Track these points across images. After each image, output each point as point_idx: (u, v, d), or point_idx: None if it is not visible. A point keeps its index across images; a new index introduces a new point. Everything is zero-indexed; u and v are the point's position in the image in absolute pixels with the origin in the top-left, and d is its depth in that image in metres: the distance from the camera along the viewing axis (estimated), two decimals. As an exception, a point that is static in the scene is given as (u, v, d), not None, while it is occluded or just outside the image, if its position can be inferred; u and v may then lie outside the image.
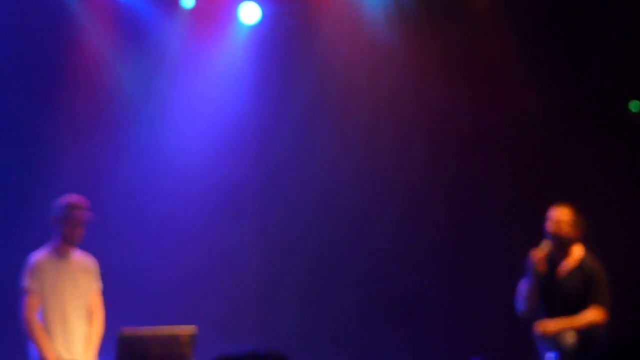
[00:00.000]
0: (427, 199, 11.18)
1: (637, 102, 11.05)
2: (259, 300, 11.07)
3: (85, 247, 8.55)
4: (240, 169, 11.26)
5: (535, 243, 8.10)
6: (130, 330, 7.63)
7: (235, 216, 11.26)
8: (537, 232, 8.17)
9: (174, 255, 10.80)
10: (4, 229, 10.16)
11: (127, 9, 11.01)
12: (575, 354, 7.82)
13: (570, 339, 7.83)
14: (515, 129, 10.99)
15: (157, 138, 11.06)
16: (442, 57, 10.93)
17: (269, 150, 11.38)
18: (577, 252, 8.07)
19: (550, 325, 7.84)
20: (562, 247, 8.04)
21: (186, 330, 7.68)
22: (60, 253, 8.34)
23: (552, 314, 7.92)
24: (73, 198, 8.36)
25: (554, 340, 7.83)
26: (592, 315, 7.83)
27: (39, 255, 8.31)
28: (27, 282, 8.20)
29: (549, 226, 8.06)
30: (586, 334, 7.83)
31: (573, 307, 7.87)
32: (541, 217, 8.17)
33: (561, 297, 7.96)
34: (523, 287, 8.08)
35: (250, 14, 11.18)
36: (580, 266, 8.00)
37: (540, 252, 7.99)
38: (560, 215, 8.05)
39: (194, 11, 11.12)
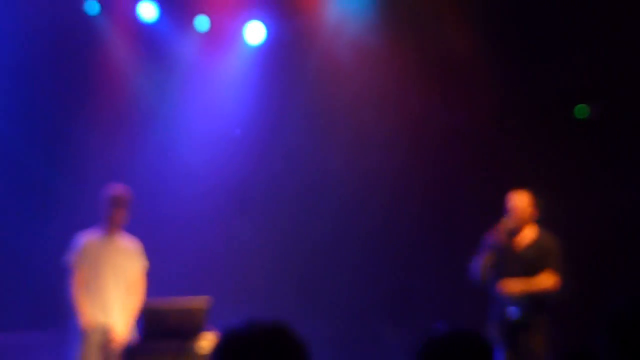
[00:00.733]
0: (410, 189, 11.23)
1: (583, 107, 11.22)
2: (265, 275, 10.96)
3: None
4: (244, 165, 11.15)
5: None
6: (151, 301, 7.97)
7: (240, 205, 11.12)
8: (501, 215, 8.41)
9: (189, 237, 10.68)
10: (44, 215, 10.09)
11: (149, 29, 10.91)
12: (530, 314, 8.19)
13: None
14: (481, 126, 11.04)
15: (171, 139, 10.97)
16: (420, 64, 10.91)
17: (271, 151, 11.26)
18: (532, 230, 8.35)
19: (512, 285, 8.12)
20: (519, 225, 8.32)
21: (200, 301, 7.88)
22: (106, 234, 8.44)
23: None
24: (119, 187, 8.49)
25: (514, 299, 8.14)
26: (546, 279, 8.13)
27: (87, 235, 8.42)
28: (72, 258, 8.31)
29: (510, 207, 8.34)
30: (539, 298, 8.18)
31: (530, 277, 8.17)
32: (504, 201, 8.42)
33: (519, 268, 8.21)
34: (479, 259, 8.30)
35: (255, 33, 11.06)
36: (537, 241, 8.30)
37: (501, 227, 8.27)
38: (520, 198, 8.35)
39: (207, 31, 10.97)
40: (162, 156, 10.91)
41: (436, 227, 10.60)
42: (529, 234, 8.37)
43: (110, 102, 10.86)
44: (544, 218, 8.45)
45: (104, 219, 8.45)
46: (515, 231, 8.36)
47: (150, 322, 7.80)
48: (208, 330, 7.89)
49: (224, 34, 11.14)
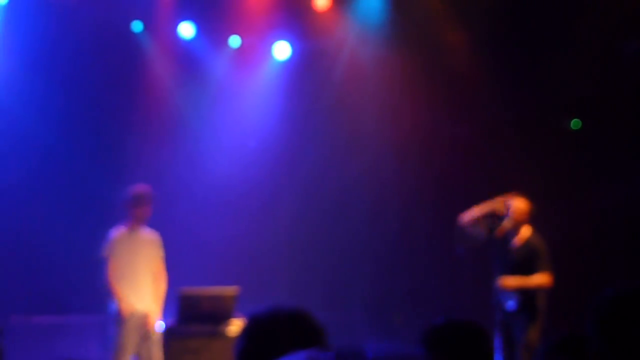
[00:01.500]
0: (423, 194, 11.31)
1: (577, 120, 11.21)
2: (289, 270, 10.98)
3: (152, 223, 8.59)
4: (271, 170, 11.18)
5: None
6: (187, 289, 7.96)
7: (268, 207, 11.20)
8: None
9: (223, 234, 10.69)
10: (90, 210, 10.06)
11: (187, 46, 10.95)
12: (524, 306, 8.23)
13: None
14: (481, 136, 11.11)
15: (206, 146, 10.99)
16: (427, 80, 10.95)
17: (295, 157, 11.35)
18: (526, 231, 8.40)
19: (510, 281, 8.19)
20: (516, 226, 8.39)
21: (231, 290, 7.93)
22: (132, 229, 8.43)
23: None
24: (140, 187, 8.47)
25: (511, 293, 8.20)
26: (541, 278, 8.18)
27: (116, 231, 8.42)
28: (106, 251, 8.33)
29: (509, 211, 8.38)
30: (532, 292, 8.24)
31: (521, 274, 8.22)
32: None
33: (512, 265, 8.29)
34: (478, 208, 8.44)
35: (282, 51, 11.10)
36: (527, 243, 8.35)
37: (503, 227, 8.35)
38: (517, 204, 8.39)
39: (239, 49, 11.05)
40: (199, 162, 10.93)
41: (445, 228, 10.60)
42: (522, 236, 8.41)
43: (151, 112, 10.89)
44: (539, 220, 8.45)
45: (128, 215, 8.46)
46: (512, 232, 8.39)
47: (186, 307, 7.85)
48: (237, 316, 7.92)
49: (254, 51, 11.16)
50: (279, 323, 2.84)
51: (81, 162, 10.42)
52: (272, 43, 11.15)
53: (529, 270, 8.24)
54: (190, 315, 7.84)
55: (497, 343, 8.26)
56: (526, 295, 8.20)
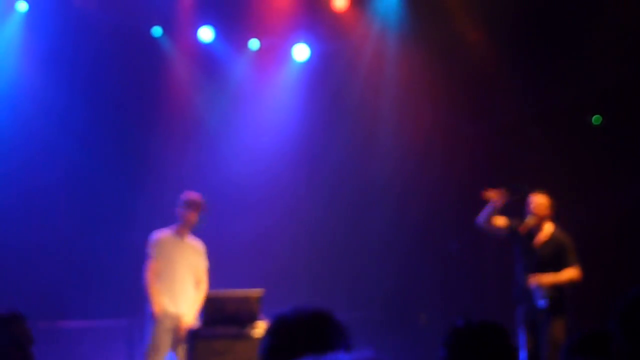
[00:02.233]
0: (444, 193, 11.33)
1: (599, 116, 11.19)
2: (313, 267, 11.03)
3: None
4: (292, 171, 11.22)
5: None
6: (213, 291, 8.06)
7: (289, 210, 11.19)
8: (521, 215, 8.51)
9: (241, 234, 10.72)
10: (112, 215, 10.20)
11: (208, 49, 11.05)
12: (553, 302, 8.22)
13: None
14: (502, 134, 11.15)
15: (227, 149, 11.04)
16: (447, 78, 10.97)
17: (316, 158, 11.38)
18: (549, 227, 8.41)
19: (543, 278, 8.18)
20: (539, 222, 8.39)
21: (256, 292, 7.96)
22: (179, 233, 8.51)
23: (531, 274, 8.27)
24: (194, 193, 8.55)
25: (543, 291, 8.18)
26: (571, 273, 8.21)
27: (162, 232, 8.52)
28: (150, 250, 8.44)
29: (531, 207, 8.40)
30: (560, 288, 8.24)
31: (547, 270, 8.21)
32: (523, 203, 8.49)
33: (537, 261, 8.28)
34: (490, 206, 8.41)
35: (301, 53, 11.17)
36: (552, 238, 8.36)
37: (526, 224, 8.36)
38: (539, 200, 8.40)
39: (258, 51, 11.15)
40: (220, 165, 10.96)
41: (467, 226, 10.59)
42: (546, 231, 8.42)
43: (171, 116, 10.97)
44: (561, 217, 8.48)
45: (179, 219, 8.52)
46: (535, 228, 8.39)
47: (211, 309, 7.91)
48: (262, 318, 7.96)
49: (274, 53, 11.22)
50: (302, 323, 2.89)
51: (102, 167, 10.50)
52: (291, 45, 11.20)
53: (557, 266, 8.26)
54: (216, 318, 7.89)
55: (522, 340, 8.27)
56: (555, 292, 8.21)
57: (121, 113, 10.63)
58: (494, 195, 8.33)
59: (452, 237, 11.34)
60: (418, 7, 10.95)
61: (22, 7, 10.22)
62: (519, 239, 8.44)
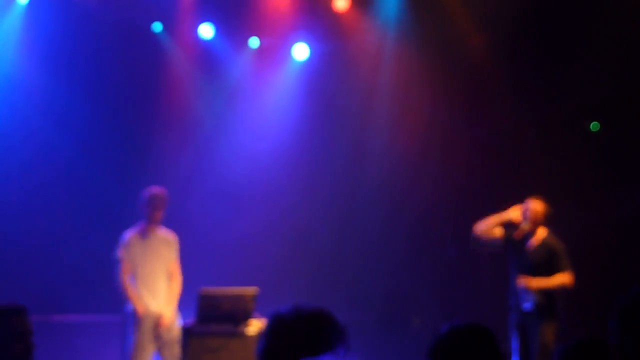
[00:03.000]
0: (441, 195, 11.31)
1: (597, 123, 11.24)
2: (308, 268, 10.98)
3: (173, 223, 8.72)
4: (289, 171, 11.17)
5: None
6: (208, 289, 8.05)
7: (285, 208, 11.15)
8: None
9: (236, 233, 10.67)
10: (108, 211, 10.13)
11: (207, 46, 11.02)
12: (542, 307, 8.29)
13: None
14: (500, 138, 11.18)
15: (225, 145, 11.00)
16: (446, 81, 10.97)
17: (313, 157, 11.34)
18: (542, 232, 8.48)
19: (532, 281, 8.25)
20: (533, 228, 8.46)
21: (250, 290, 8.03)
22: (146, 230, 8.51)
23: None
24: (155, 189, 8.52)
25: (530, 294, 8.26)
26: (562, 278, 8.26)
27: (130, 233, 8.52)
28: (120, 253, 8.44)
29: (526, 213, 8.47)
30: (551, 293, 8.31)
31: (538, 274, 8.29)
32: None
33: (529, 266, 8.37)
34: (492, 218, 8.51)
35: (301, 53, 11.15)
36: (544, 243, 8.43)
37: (521, 229, 8.43)
38: (534, 206, 8.47)
39: (258, 50, 11.12)
40: (218, 163, 10.96)
41: (464, 229, 10.62)
42: (539, 236, 8.49)
43: (170, 112, 10.97)
44: (557, 222, 8.54)
45: (145, 217, 8.54)
46: (530, 233, 8.46)
47: (205, 307, 7.95)
48: (256, 316, 8.03)
49: (273, 52, 11.22)
50: (301, 322, 2.96)
51: (101, 162, 10.51)
52: (291, 44, 11.21)
53: (548, 271, 8.33)
54: (210, 315, 7.95)
55: (514, 345, 8.33)
56: (545, 296, 8.28)
57: (120, 109, 10.63)
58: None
59: (448, 240, 11.35)
60: (419, 9, 10.96)
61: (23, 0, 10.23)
62: (513, 245, 8.52)
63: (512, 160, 11.14)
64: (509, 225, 8.55)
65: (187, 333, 7.99)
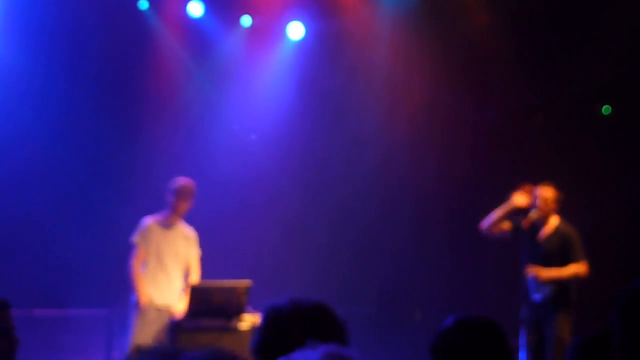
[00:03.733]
0: (443, 185, 11.31)
1: (608, 106, 11.23)
2: (305, 261, 10.99)
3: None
4: (284, 159, 11.19)
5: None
6: (199, 281, 8.08)
7: (279, 197, 11.17)
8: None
9: (230, 226, 10.72)
10: (95, 202, 10.12)
11: (197, 25, 10.93)
12: (556, 298, 8.28)
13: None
14: (507, 122, 11.17)
15: (216, 131, 11.00)
16: (448, 62, 10.94)
17: (308, 145, 11.28)
18: (554, 220, 8.45)
19: (542, 271, 8.24)
20: (544, 216, 8.43)
21: (243, 283, 8.00)
22: (168, 221, 8.51)
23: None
24: (183, 179, 8.52)
25: (541, 285, 8.26)
26: (576, 268, 8.25)
27: (150, 219, 8.51)
28: (136, 238, 8.43)
29: (536, 201, 8.45)
30: (564, 284, 8.29)
31: (552, 264, 8.28)
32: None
33: (542, 256, 8.35)
34: (496, 211, 8.52)
35: (295, 32, 11.08)
36: (557, 231, 8.41)
37: (529, 218, 8.41)
38: (545, 192, 8.44)
39: (251, 28, 11.04)
40: (210, 152, 10.94)
41: (469, 219, 10.62)
42: (552, 225, 8.45)
43: (158, 94, 10.92)
44: (568, 209, 8.51)
45: (169, 207, 8.51)
46: (540, 222, 8.42)
47: (196, 301, 7.93)
48: (249, 310, 8.00)
49: (266, 31, 11.17)
50: (299, 315, 2.93)
51: (84, 150, 10.46)
52: (285, 23, 11.15)
53: (561, 261, 8.31)
54: (201, 309, 7.93)
55: (522, 340, 8.30)
56: (559, 287, 8.25)
57: (104, 91, 10.55)
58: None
59: (451, 231, 11.30)
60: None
61: (1, -26, 10.13)
62: (523, 235, 8.49)
63: (519, 146, 11.12)
64: (516, 214, 8.54)
65: (177, 328, 7.97)
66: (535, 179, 8.63)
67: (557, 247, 8.34)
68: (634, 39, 10.37)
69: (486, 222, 8.56)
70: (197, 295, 7.94)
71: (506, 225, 8.54)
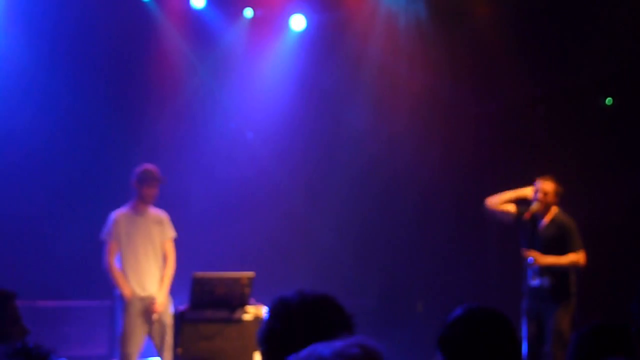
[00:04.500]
0: (447, 178, 11.33)
1: (611, 98, 11.25)
2: (309, 253, 11.05)
3: (166, 205, 8.70)
4: (286, 152, 11.26)
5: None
6: (202, 273, 8.04)
7: (282, 190, 11.23)
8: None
9: (234, 219, 10.78)
10: (96, 192, 10.11)
11: (199, 16, 11.01)
12: (553, 291, 8.36)
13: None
14: (507, 115, 11.20)
15: (219, 119, 11.06)
16: (450, 54, 10.97)
17: (310, 138, 11.35)
18: (554, 211, 8.54)
19: (541, 257, 8.32)
20: (545, 208, 8.52)
21: (246, 275, 8.00)
22: (137, 210, 8.48)
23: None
24: (146, 165, 8.48)
25: (539, 274, 8.35)
26: (575, 256, 8.32)
27: (119, 212, 8.47)
28: (104, 234, 8.43)
29: (537, 193, 8.53)
30: (563, 274, 8.37)
31: (550, 253, 8.34)
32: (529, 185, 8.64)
33: (541, 246, 8.41)
34: (507, 192, 8.65)
35: (297, 23, 11.14)
36: (554, 220, 8.49)
37: (530, 210, 8.48)
38: (545, 186, 8.51)
39: (253, 20, 11.11)
40: (215, 143, 10.99)
41: (468, 212, 10.65)
42: (550, 215, 8.53)
43: (160, 86, 10.96)
44: (570, 201, 8.58)
45: (135, 195, 8.51)
46: (540, 214, 8.52)
47: (199, 292, 7.93)
48: (253, 302, 8.05)
49: (268, 23, 11.21)
50: (307, 306, 2.95)
51: (86, 141, 10.52)
52: (287, 15, 11.19)
53: (559, 250, 8.39)
54: (204, 300, 7.94)
55: (524, 332, 8.37)
56: (558, 278, 8.32)
57: (107, 83, 10.60)
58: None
59: (452, 223, 11.36)
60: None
61: (3, -34, 10.16)
62: (524, 226, 8.57)
63: (521, 138, 11.15)
64: (523, 202, 8.61)
65: (180, 319, 7.96)
66: (537, 171, 8.68)
67: (555, 236, 8.43)
68: (637, 30, 10.39)
69: (493, 199, 8.69)
70: (200, 286, 7.93)
71: (511, 208, 8.63)
